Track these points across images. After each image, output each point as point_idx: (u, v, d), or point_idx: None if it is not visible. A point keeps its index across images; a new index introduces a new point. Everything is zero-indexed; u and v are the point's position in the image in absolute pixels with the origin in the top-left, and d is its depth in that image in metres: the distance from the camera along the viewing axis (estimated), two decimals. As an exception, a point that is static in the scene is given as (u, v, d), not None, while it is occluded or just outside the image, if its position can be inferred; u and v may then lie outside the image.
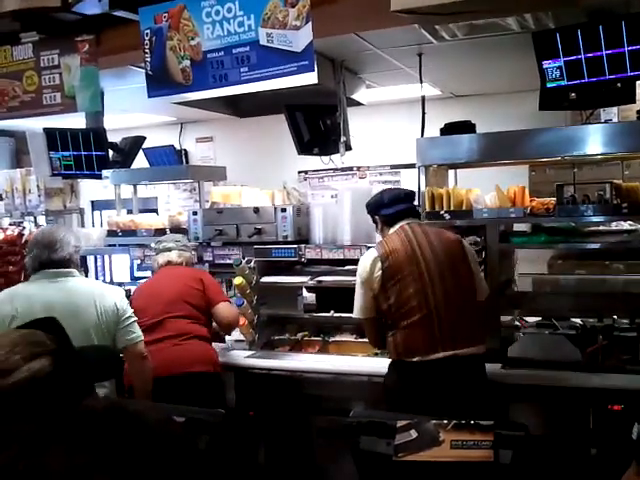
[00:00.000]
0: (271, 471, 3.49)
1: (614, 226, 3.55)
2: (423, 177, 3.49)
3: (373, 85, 5.09)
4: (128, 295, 3.34)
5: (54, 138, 4.93)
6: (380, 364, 3.07)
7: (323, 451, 3.36)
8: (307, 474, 3.46)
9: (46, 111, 4.25)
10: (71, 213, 5.55)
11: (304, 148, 4.73)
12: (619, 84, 3.25)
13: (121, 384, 3.03)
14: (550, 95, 3.43)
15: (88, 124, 5.12)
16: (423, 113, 4.38)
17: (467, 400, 2.71)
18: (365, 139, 5.45)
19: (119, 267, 6.07)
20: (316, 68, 3.33)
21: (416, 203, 3.20)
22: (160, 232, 4.39)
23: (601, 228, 3.50)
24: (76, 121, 4.98)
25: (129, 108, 5.74)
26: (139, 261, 4.62)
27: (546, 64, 3.33)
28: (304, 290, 4.03)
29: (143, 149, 5.77)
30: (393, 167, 6.15)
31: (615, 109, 4.37)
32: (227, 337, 3.91)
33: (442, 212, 3.39)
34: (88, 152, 5.01)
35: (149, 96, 3.80)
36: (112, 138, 5.20)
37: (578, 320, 3.45)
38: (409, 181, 5.42)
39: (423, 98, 4.45)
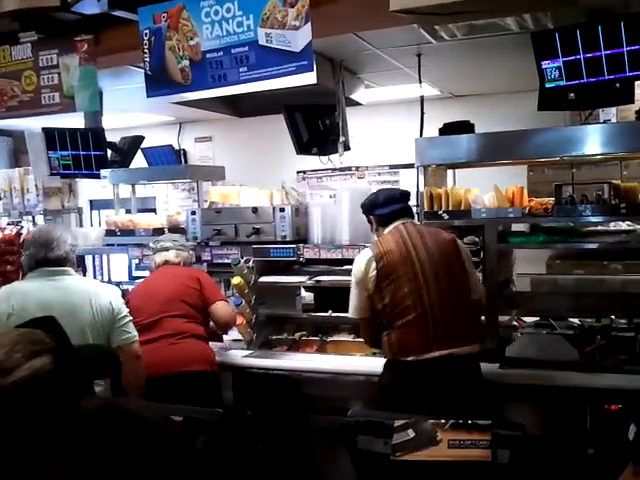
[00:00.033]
0: (269, 470, 3.48)
1: (612, 226, 3.55)
2: (422, 177, 3.50)
3: (372, 85, 5.09)
4: (124, 294, 3.34)
5: (53, 138, 4.94)
6: (378, 364, 3.06)
7: (321, 451, 3.36)
8: (305, 474, 3.46)
9: (45, 111, 4.25)
10: (69, 212, 5.55)
11: (303, 148, 4.73)
12: (618, 84, 3.26)
13: (117, 383, 3.02)
14: (549, 95, 3.44)
15: (87, 124, 5.12)
16: (422, 113, 4.39)
17: (462, 399, 2.71)
18: (364, 139, 5.45)
19: (117, 267, 6.04)
20: (315, 68, 3.32)
21: (411, 203, 3.19)
22: (158, 232, 4.39)
23: (599, 228, 3.50)
24: (75, 121, 4.98)
25: (128, 108, 5.74)
26: (137, 261, 4.62)
27: (545, 64, 3.33)
28: (302, 290, 4.04)
29: (142, 149, 5.78)
30: (392, 167, 6.15)
31: (614, 109, 4.37)
32: (225, 336, 3.92)
33: (441, 212, 3.40)
34: (87, 152, 5.02)
35: (148, 96, 3.80)
36: (111, 138, 5.21)
37: (576, 320, 3.45)
38: (408, 181, 5.42)
39: (422, 98, 4.46)
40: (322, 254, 3.76)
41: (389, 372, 2.93)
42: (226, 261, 3.97)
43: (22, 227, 4.98)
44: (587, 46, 3.21)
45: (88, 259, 5.59)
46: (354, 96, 4.76)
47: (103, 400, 1.31)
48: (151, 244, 3.84)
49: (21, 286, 2.94)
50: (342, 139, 4.43)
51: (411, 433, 2.06)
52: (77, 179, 5.47)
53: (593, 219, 3.18)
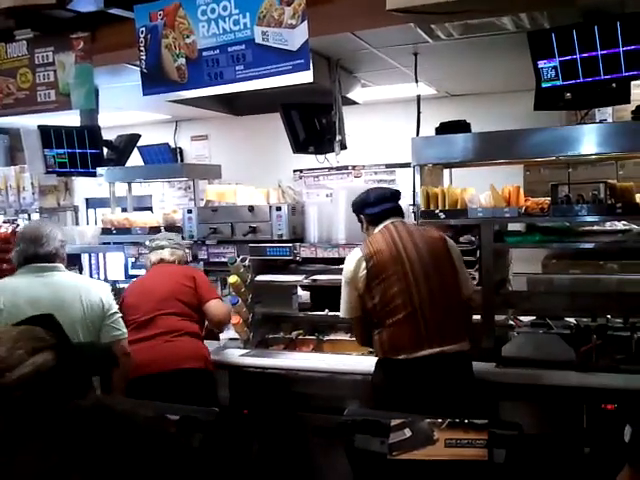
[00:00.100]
0: (265, 470, 3.48)
1: (608, 226, 3.56)
2: (418, 176, 3.49)
3: (368, 84, 5.09)
4: (119, 292, 3.34)
5: (48, 135, 4.92)
6: (374, 363, 3.07)
7: (317, 450, 3.36)
8: (301, 473, 3.46)
9: (40, 108, 4.24)
10: (65, 211, 5.54)
11: (299, 147, 4.72)
12: (614, 84, 3.26)
13: (107, 380, 3.02)
14: (545, 95, 3.44)
15: (83, 122, 5.10)
16: (418, 112, 4.38)
17: (454, 397, 2.73)
18: (360, 138, 5.45)
19: (113, 265, 6.06)
20: (311, 67, 3.32)
21: (402, 202, 3.20)
22: (155, 230, 4.38)
23: (595, 228, 3.51)
24: (71, 119, 4.97)
25: (124, 106, 5.72)
26: (133, 259, 4.61)
27: (541, 64, 3.33)
28: (299, 289, 4.04)
29: (138, 147, 5.76)
30: (388, 166, 6.15)
31: (610, 109, 4.38)
32: (222, 335, 3.91)
33: (437, 211, 3.40)
34: (82, 150, 5.00)
35: (144, 94, 3.79)
36: (107, 136, 5.19)
37: (572, 319, 3.46)
38: (404, 180, 5.42)
39: (418, 97, 4.45)
40: (319, 253, 3.76)
41: (381, 371, 2.95)
42: (222, 260, 3.96)
43: (18, 225, 4.96)
44: (583, 46, 3.22)
45: (84, 257, 5.60)
46: (351, 95, 4.76)
47: (93, 399, 1.31)
48: (147, 242, 3.84)
49: (11, 282, 2.94)
50: (339, 138, 4.42)
51: (408, 432, 2.06)
52: (73, 177, 5.45)
53: (589, 219, 3.19)
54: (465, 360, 2.94)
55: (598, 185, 3.16)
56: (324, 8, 3.32)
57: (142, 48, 3.68)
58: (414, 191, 3.53)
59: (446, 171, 3.97)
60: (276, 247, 3.85)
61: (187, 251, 3.89)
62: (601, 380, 2.99)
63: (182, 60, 3.61)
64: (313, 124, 4.62)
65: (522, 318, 3.63)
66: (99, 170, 4.94)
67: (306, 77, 3.42)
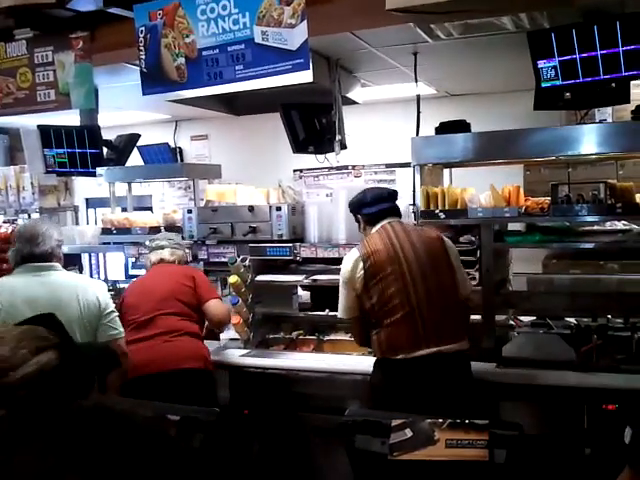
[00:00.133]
0: (266, 470, 3.48)
1: (608, 226, 3.56)
2: (418, 176, 3.49)
3: (368, 84, 5.09)
4: (119, 292, 3.34)
5: (48, 135, 4.92)
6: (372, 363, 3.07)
7: (318, 450, 3.36)
8: (302, 473, 3.46)
9: (40, 108, 4.23)
10: (65, 211, 5.54)
11: (299, 146, 4.72)
12: (614, 84, 3.26)
13: (102, 380, 3.01)
14: (545, 95, 3.44)
15: (82, 121, 5.10)
16: (418, 112, 4.38)
17: (452, 396, 2.74)
18: (360, 138, 5.45)
19: (114, 265, 6.06)
20: (311, 66, 3.32)
21: (398, 202, 3.20)
22: (155, 230, 4.38)
23: (595, 228, 3.51)
24: (70, 118, 4.96)
25: (124, 105, 5.72)
26: (134, 259, 4.61)
27: (541, 64, 3.33)
28: (299, 289, 4.04)
29: (138, 147, 5.76)
30: (388, 166, 6.15)
31: (609, 109, 4.38)
32: (222, 335, 3.91)
33: (437, 211, 3.40)
34: (82, 149, 5.00)
35: (144, 94, 3.79)
36: (106, 135, 5.19)
37: (572, 319, 3.46)
38: (404, 180, 5.42)
39: (418, 97, 4.45)
40: (319, 253, 3.76)
41: (379, 371, 2.95)
42: (223, 260, 3.96)
43: (17, 225, 4.96)
44: (583, 46, 3.22)
45: (84, 257, 5.59)
46: (350, 95, 4.76)
47: (93, 400, 1.31)
48: (147, 242, 3.84)
49: (9, 281, 2.94)
50: (338, 138, 4.42)
51: (408, 433, 2.06)
52: (73, 177, 5.44)
53: (589, 219, 3.19)
54: (463, 359, 2.94)
55: (598, 185, 3.16)
56: (324, 8, 3.32)
57: (142, 47, 3.68)
58: (414, 191, 3.53)
59: (446, 171, 3.97)
60: (276, 247, 3.85)
61: (187, 251, 3.89)
62: (602, 380, 2.99)
63: (182, 60, 3.61)
64: (313, 124, 4.62)
65: (522, 318, 3.63)
66: (99, 170, 4.94)
67: (306, 77, 3.43)
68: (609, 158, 4.29)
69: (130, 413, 1.38)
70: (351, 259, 2.98)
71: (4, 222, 5.12)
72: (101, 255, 5.93)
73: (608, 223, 3.52)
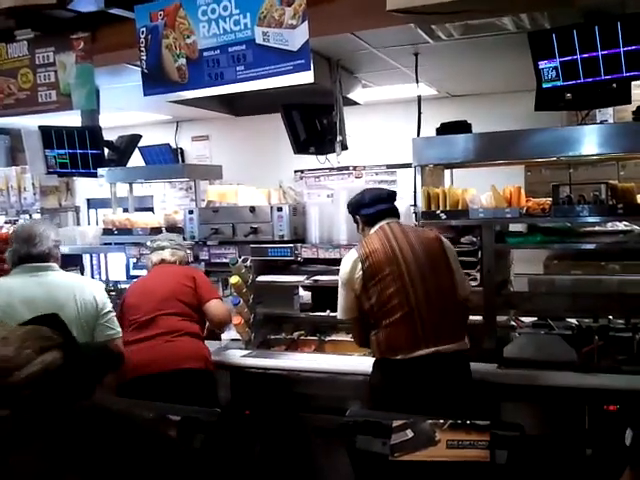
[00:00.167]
0: (267, 470, 3.48)
1: (610, 227, 3.56)
2: (419, 177, 3.49)
3: (369, 84, 5.09)
4: (120, 292, 3.34)
5: (49, 136, 4.92)
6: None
7: (319, 451, 3.36)
8: (303, 474, 3.46)
9: (41, 109, 4.24)
10: (67, 211, 5.55)
11: (300, 147, 4.73)
12: (615, 85, 3.26)
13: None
14: (546, 95, 3.44)
15: (84, 122, 5.11)
16: (419, 113, 4.38)
17: (451, 396, 2.74)
18: (361, 139, 5.45)
19: (115, 265, 6.06)
20: (312, 67, 3.32)
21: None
22: (156, 231, 4.39)
23: (597, 229, 3.51)
24: (71, 119, 4.96)
25: (125, 106, 5.72)
26: (135, 259, 4.61)
27: (542, 64, 3.33)
28: (300, 289, 4.04)
29: (139, 147, 5.76)
30: (389, 167, 6.14)
31: (611, 110, 4.37)
32: (223, 336, 3.91)
33: (438, 212, 3.40)
34: (84, 150, 5.01)
35: (145, 94, 3.79)
36: (108, 136, 5.19)
37: (574, 320, 3.46)
38: (405, 181, 5.41)
39: (419, 98, 4.45)
40: (320, 253, 3.76)
41: (378, 371, 2.96)
42: (224, 260, 3.96)
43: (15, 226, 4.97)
44: (584, 46, 3.21)
45: (86, 258, 5.59)
46: (351, 95, 4.76)
47: (92, 400, 1.31)
48: (148, 243, 3.84)
49: (6, 282, 2.95)
50: (339, 138, 4.42)
51: (410, 433, 2.06)
52: (74, 178, 5.45)
53: (590, 219, 3.19)
54: (462, 359, 2.95)
55: (599, 186, 3.16)
56: (325, 8, 3.31)
57: (143, 48, 3.68)
58: (415, 192, 3.53)
59: (447, 172, 3.97)
60: (277, 248, 3.85)
61: (188, 252, 3.89)
62: (603, 381, 2.99)
63: (183, 60, 3.61)
64: (314, 124, 4.63)
65: (524, 319, 3.63)
66: (100, 171, 4.94)
67: (307, 77, 3.42)
68: (610, 159, 4.29)
69: (131, 413, 1.38)
70: (350, 260, 2.99)
71: (5, 222, 5.13)
72: (102, 256, 5.94)
73: (609, 224, 3.52)
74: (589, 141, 3.14)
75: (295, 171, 6.40)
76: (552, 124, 3.85)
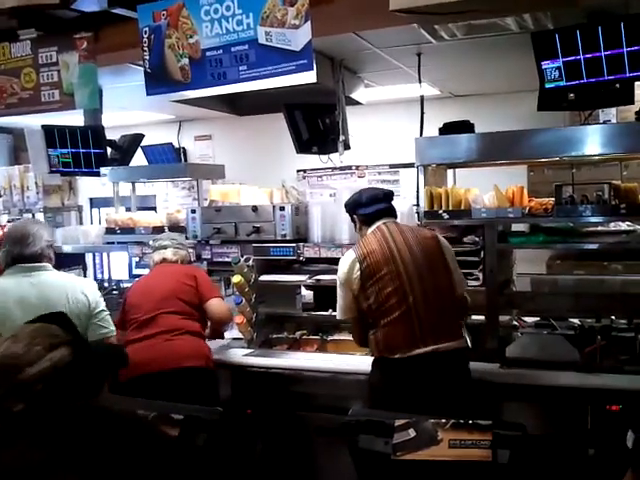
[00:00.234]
0: (269, 469, 3.49)
1: (612, 227, 3.55)
2: (422, 176, 3.50)
3: (372, 84, 5.09)
4: (122, 291, 3.34)
5: (52, 135, 4.93)
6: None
7: (321, 450, 3.36)
8: (305, 473, 3.46)
9: (44, 108, 4.24)
10: (69, 210, 5.56)
11: (303, 147, 4.73)
12: (618, 85, 3.26)
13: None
14: (549, 95, 3.43)
15: (86, 121, 5.11)
16: (422, 113, 4.38)
17: (450, 394, 2.75)
18: (364, 138, 5.45)
19: (117, 264, 6.06)
20: (315, 67, 3.32)
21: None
22: (158, 230, 4.40)
23: (599, 229, 3.50)
24: (74, 118, 4.97)
25: (128, 106, 5.73)
26: (137, 259, 4.61)
27: (545, 64, 3.33)
28: (302, 289, 4.03)
29: (142, 147, 5.77)
30: (392, 166, 6.15)
31: (614, 110, 4.37)
32: (225, 335, 3.92)
33: (441, 211, 3.40)
34: (86, 149, 5.01)
35: (148, 94, 3.79)
36: (110, 136, 5.20)
37: (576, 320, 3.45)
38: (408, 180, 5.42)
39: (422, 98, 4.45)
40: (322, 253, 3.76)
41: (377, 370, 2.97)
42: (226, 260, 3.97)
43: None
44: (587, 46, 3.21)
45: (88, 257, 5.60)
46: (354, 95, 4.76)
47: (100, 398, 1.32)
48: (150, 242, 3.86)
49: (0, 283, 2.95)
50: (342, 138, 4.43)
51: (412, 432, 2.06)
52: (77, 177, 5.46)
53: (593, 219, 3.18)
54: (461, 357, 2.95)
55: (602, 186, 3.16)
56: (327, 8, 3.31)
57: (146, 48, 3.68)
58: (418, 191, 3.53)
59: (450, 171, 3.97)
60: (280, 247, 3.86)
61: (190, 251, 3.90)
62: (605, 381, 2.99)
63: (185, 60, 3.61)
64: (316, 124, 4.63)
65: (526, 319, 3.62)
66: (103, 170, 4.95)
67: (309, 77, 3.43)
68: (613, 159, 4.29)
69: (133, 412, 1.39)
70: (347, 260, 3.00)
71: (8, 222, 5.14)
72: (105, 255, 5.94)
73: (612, 224, 3.52)
74: (592, 141, 3.14)
75: (298, 171, 6.41)
76: (555, 124, 3.85)
